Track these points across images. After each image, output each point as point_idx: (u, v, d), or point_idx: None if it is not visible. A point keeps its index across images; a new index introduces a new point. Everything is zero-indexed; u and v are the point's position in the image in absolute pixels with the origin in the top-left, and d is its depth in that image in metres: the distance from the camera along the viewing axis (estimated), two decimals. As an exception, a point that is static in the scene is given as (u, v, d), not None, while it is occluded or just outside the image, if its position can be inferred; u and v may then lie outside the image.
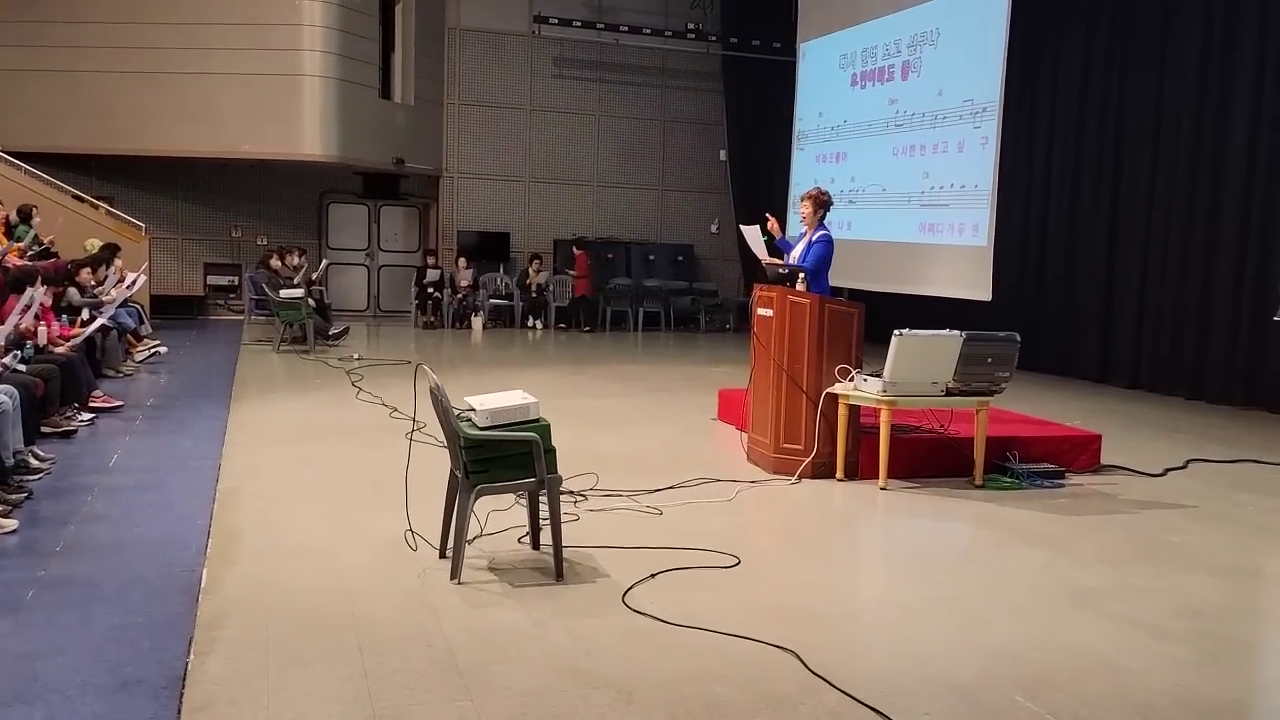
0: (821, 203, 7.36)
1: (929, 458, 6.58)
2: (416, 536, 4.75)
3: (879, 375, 6.21)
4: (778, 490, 6.18)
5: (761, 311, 6.68)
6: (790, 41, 16.13)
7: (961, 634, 3.97)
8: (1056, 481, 6.51)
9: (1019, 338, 6.34)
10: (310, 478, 6.15)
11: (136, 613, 3.90)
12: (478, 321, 15.98)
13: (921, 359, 6.10)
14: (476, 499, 4.43)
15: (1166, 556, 5.07)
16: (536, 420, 4.50)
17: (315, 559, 4.64)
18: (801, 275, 6.62)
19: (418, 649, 3.67)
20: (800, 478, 6.37)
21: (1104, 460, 6.95)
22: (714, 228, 18.01)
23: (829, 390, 6.38)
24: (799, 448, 6.46)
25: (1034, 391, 9.70)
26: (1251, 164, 9.60)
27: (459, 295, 16.28)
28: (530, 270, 16.43)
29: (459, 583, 4.34)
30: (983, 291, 11.33)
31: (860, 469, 6.47)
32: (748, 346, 15.59)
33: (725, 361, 12.89)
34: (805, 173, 15.11)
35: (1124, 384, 11.01)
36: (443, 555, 4.64)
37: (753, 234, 7.64)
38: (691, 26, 17.19)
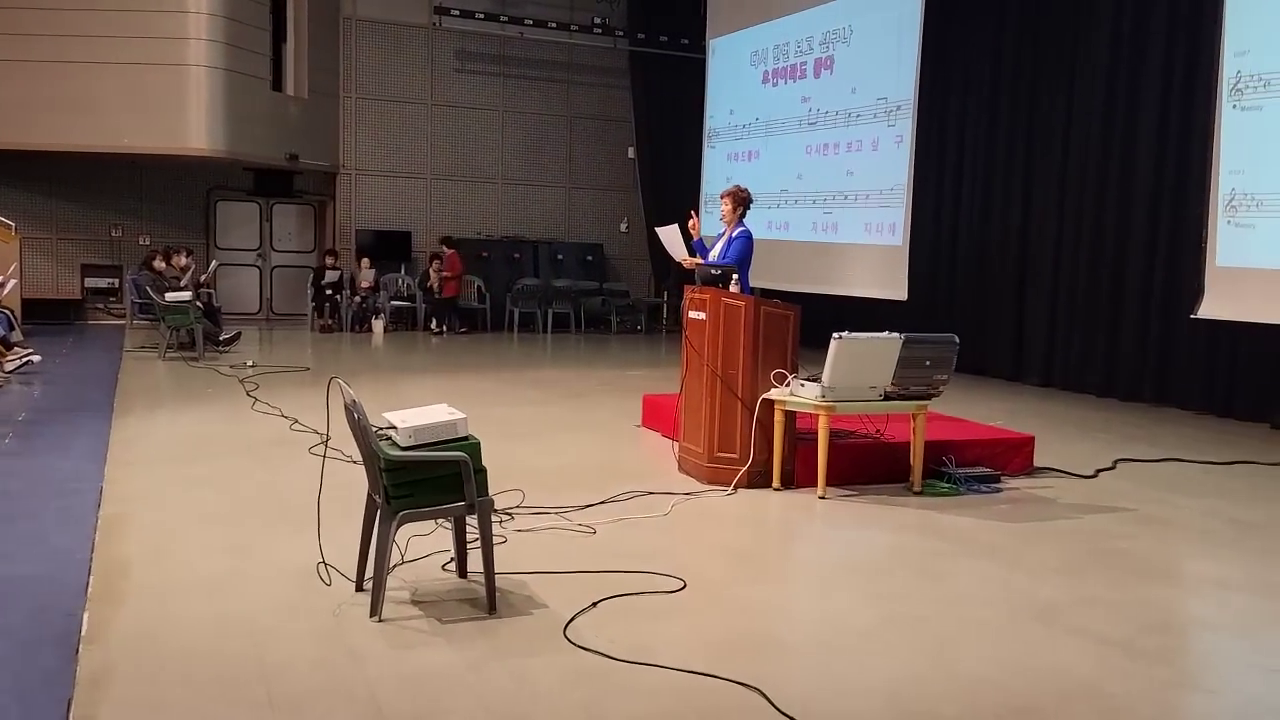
0: (741, 200, 7.12)
1: (865, 464, 6.36)
2: (330, 569, 4.28)
3: (816, 380, 5.95)
4: (714, 502, 5.87)
5: (693, 315, 6.36)
6: (699, 37, 15.92)
7: (933, 661, 3.70)
8: (993, 486, 6.35)
9: (957, 339, 6.15)
10: (206, 501, 5.60)
11: (2, 672, 3.36)
12: (379, 325, 15.35)
13: (860, 362, 5.86)
14: (399, 526, 3.99)
15: (1119, 565, 4.91)
16: (465, 438, 4.08)
17: (215, 596, 4.14)
18: (735, 276, 6.31)
19: (339, 702, 3.24)
20: (736, 488, 6.07)
21: (1035, 462, 6.84)
22: (623, 227, 17.69)
23: (765, 396, 6.09)
24: (734, 456, 6.16)
25: (949, 391, 9.55)
26: (1160, 162, 9.68)
27: (359, 297, 15.62)
28: (431, 271, 15.85)
29: (380, 620, 3.90)
30: (898, 291, 11.26)
31: (797, 477, 6.21)
32: (662, 348, 15.30)
33: (641, 364, 12.59)
34: (717, 171, 14.91)
35: (1036, 382, 11.05)
36: (360, 588, 4.20)
37: (670, 235, 7.35)
38: (598, 21, 16.84)
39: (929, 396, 6.14)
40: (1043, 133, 10.93)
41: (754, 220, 14.31)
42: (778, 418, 6.07)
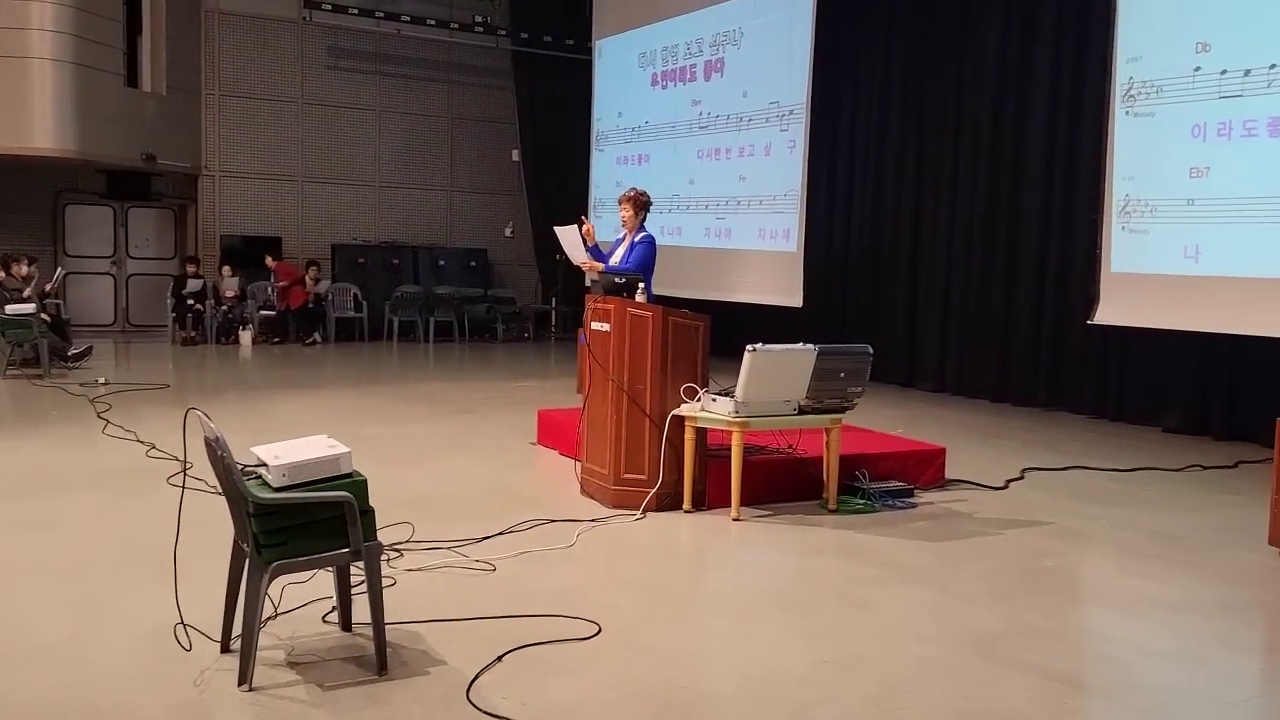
0: (641, 204, 6.78)
1: (778, 481, 6.03)
2: (190, 630, 3.69)
3: (728, 394, 5.59)
4: (623, 529, 5.45)
5: (596, 326, 5.93)
6: (585, 38, 15.52)
7: (880, 709, 3.36)
8: (908, 501, 6.11)
9: (871, 350, 5.88)
10: (47, 546, 4.91)
11: None
12: (246, 336, 14.44)
13: (774, 376, 5.53)
14: (273, 579, 3.45)
15: (1049, 587, 4.69)
16: (349, 475, 3.56)
17: (52, 667, 3.51)
18: (640, 285, 5.91)
19: (201, 803, 2.69)
20: (645, 512, 5.66)
21: (945, 473, 6.64)
22: (508, 231, 17.14)
23: (675, 412, 5.70)
24: (642, 477, 5.75)
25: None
26: (1050, 167, 9.68)
27: (224, 307, 14.67)
28: (308, 278, 15.01)
29: (250, 689, 3.36)
30: (793, 298, 11.05)
31: (708, 497, 5.84)
32: (551, 357, 14.77)
33: (532, 375, 12.09)
34: (606, 175, 14.52)
35: (929, 388, 10.98)
36: (226, 649, 3.63)
37: (569, 236, 6.93)
38: (479, 20, 16.27)
39: (843, 409, 5.85)
40: (933, 138, 10.87)
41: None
42: (688, 435, 5.69)
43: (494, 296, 16.42)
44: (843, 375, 5.70)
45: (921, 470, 6.51)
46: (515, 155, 17.02)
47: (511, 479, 6.58)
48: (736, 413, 5.49)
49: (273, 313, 14.80)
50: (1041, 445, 8.15)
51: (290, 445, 3.59)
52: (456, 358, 14.02)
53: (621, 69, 14.21)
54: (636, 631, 4.01)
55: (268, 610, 3.72)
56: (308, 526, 3.46)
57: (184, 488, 3.87)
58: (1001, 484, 6.65)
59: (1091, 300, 8.50)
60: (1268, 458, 7.69)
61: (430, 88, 16.52)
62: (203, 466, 4.21)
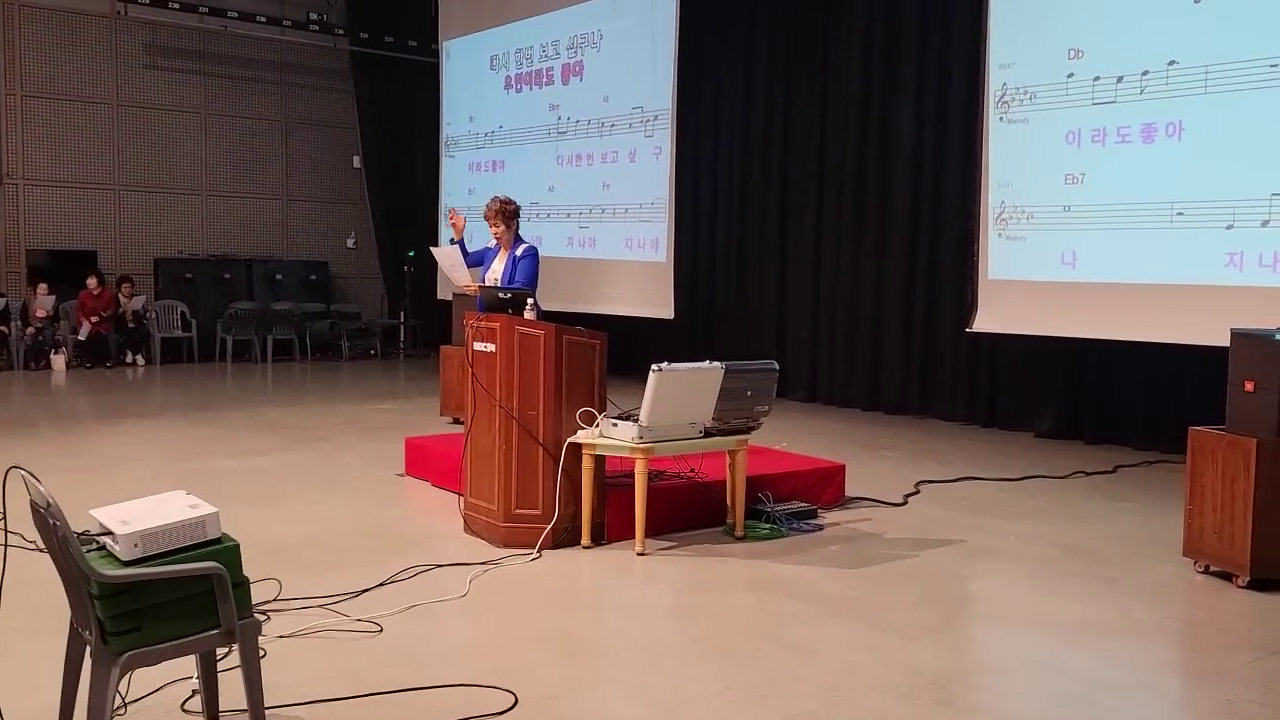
0: (509, 214, 6.31)
1: (680, 508, 5.62)
2: (15, 739, 2.98)
3: (630, 418, 5.14)
4: (520, 572, 4.91)
5: (479, 346, 5.37)
6: (430, 39, 14.82)
7: (855, 782, 2.96)
8: (813, 523, 5.80)
9: (777, 366, 5.54)
10: None
11: None
12: (59, 360, 13.08)
13: (681, 397, 5.11)
14: (125, 673, 2.78)
15: (982, 614, 4.44)
16: (217, 540, 2.93)
17: None
18: (531, 301, 5.38)
19: None
20: (541, 550, 5.14)
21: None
22: (351, 242, 16.20)
23: (572, 439, 5.21)
24: (536, 512, 5.23)
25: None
26: (918, 173, 9.65)
27: (33, 329, 13.24)
28: (121, 295, 13.74)
29: (99, 814, 2.69)
30: (664, 309, 10.71)
31: (607, 530, 5.37)
32: (401, 376, 13.94)
33: (385, 395, 11.32)
34: (457, 182, 13.88)
35: (801, 398, 10.81)
36: (63, 759, 2.94)
37: (449, 257, 6.36)
38: (314, 17, 15.32)
39: (749, 429, 5.49)
40: (799, 145, 10.73)
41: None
42: (585, 464, 5.21)
43: (337, 312, 15.47)
44: (749, 394, 5.33)
45: (823, 489, 6.23)
46: (356, 161, 16.12)
47: (383, 517, 5.93)
48: (641, 438, 5.04)
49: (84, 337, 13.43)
50: (925, 455, 8.04)
51: (141, 507, 2.94)
52: (299, 379, 13.07)
53: (472, 71, 13.60)
54: (559, 699, 3.50)
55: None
56: (167, 606, 2.82)
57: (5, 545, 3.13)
58: (900, 500, 6.44)
59: (968, 308, 8.44)
60: (1144, 461, 7.87)
61: (262, 89, 15.45)
62: (19, 517, 3.48)
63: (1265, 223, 6.51)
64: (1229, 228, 6.69)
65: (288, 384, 12.53)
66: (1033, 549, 5.40)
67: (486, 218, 6.57)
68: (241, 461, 7.41)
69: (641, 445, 5.05)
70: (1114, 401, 8.44)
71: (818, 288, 10.62)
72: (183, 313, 14.35)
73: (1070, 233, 7.54)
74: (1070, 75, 7.50)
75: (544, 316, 5.31)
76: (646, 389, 4.98)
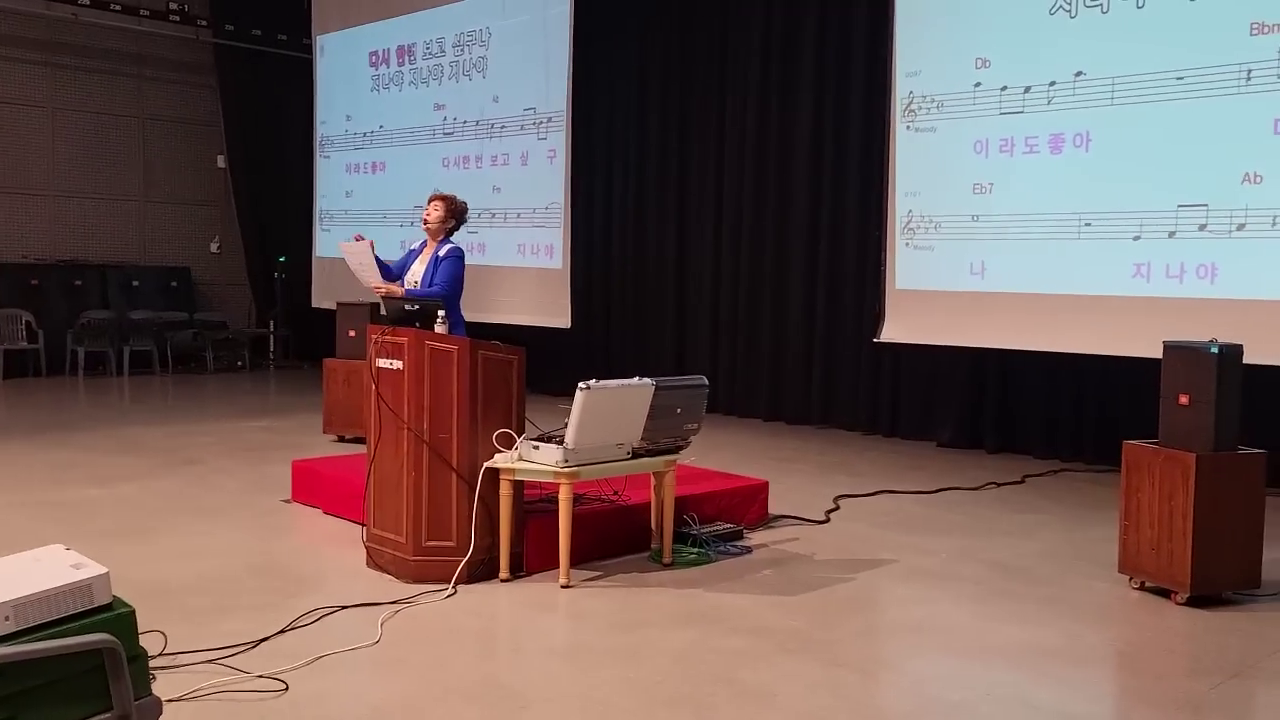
0: (456, 209, 5.83)
1: (603, 534, 5.27)
2: None
3: (552, 440, 4.77)
4: (435, 612, 4.47)
5: (384, 363, 4.91)
6: (302, 33, 14.08)
7: None
8: (740, 545, 5.53)
9: (706, 381, 5.26)
10: None
11: None
12: (-114, 374, 11.86)
13: (609, 416, 4.77)
14: (-10, 776, 2.28)
15: (934, 644, 4.23)
16: (108, 606, 2.44)
17: None
18: (441, 314, 4.95)
19: None
20: (456, 585, 4.71)
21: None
22: (214, 247, 15.25)
23: (489, 464, 4.80)
24: (450, 544, 4.80)
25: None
26: (818, 181, 9.53)
27: None
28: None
29: None
30: (560, 318, 10.34)
31: (526, 560, 4.98)
32: (271, 389, 13.11)
33: (258, 411, 10.59)
34: (333, 184, 13.21)
35: (699, 409, 10.57)
36: None
37: (359, 255, 5.84)
38: (175, 7, 14.36)
39: (678, 449, 5.19)
40: (696, 150, 10.51)
41: (382, 240, 12.78)
42: (504, 490, 4.81)
43: (201, 321, 14.50)
44: (679, 411, 5.03)
45: (746, 508, 5.97)
46: (221, 161, 15.18)
47: (275, 551, 5.39)
48: (566, 461, 4.68)
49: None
50: (834, 468, 7.90)
51: (9, 568, 2.43)
52: (161, 394, 12.17)
53: (348, 68, 12.94)
54: (502, 764, 3.11)
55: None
56: (48, 690, 2.32)
57: None
58: (823, 517, 6.24)
59: (876, 318, 8.35)
60: (1049, 470, 7.89)
61: (117, 83, 14.38)
62: None
63: (1172, 234, 6.58)
64: (1136, 239, 6.74)
65: (149, 400, 11.64)
66: (966, 568, 5.26)
67: (431, 198, 6.06)
68: (104, 490, 6.70)
69: (566, 469, 4.68)
70: (1014, 411, 8.48)
71: (717, 296, 10.42)
72: (28, 323, 13.20)
73: (979, 243, 7.51)
74: (977, 84, 7.47)
75: (470, 329, 4.89)
76: (573, 408, 4.62)
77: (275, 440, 8.66)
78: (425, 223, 5.95)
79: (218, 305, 15.13)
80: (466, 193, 11.37)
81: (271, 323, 15.02)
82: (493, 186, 11.04)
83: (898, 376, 9.21)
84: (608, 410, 4.73)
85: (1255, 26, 6.18)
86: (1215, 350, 4.54)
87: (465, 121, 11.36)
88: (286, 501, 6.40)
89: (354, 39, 12.86)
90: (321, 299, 13.64)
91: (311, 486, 6.31)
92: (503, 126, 10.96)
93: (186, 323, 14.27)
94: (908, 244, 7.96)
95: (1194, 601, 4.59)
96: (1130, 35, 6.70)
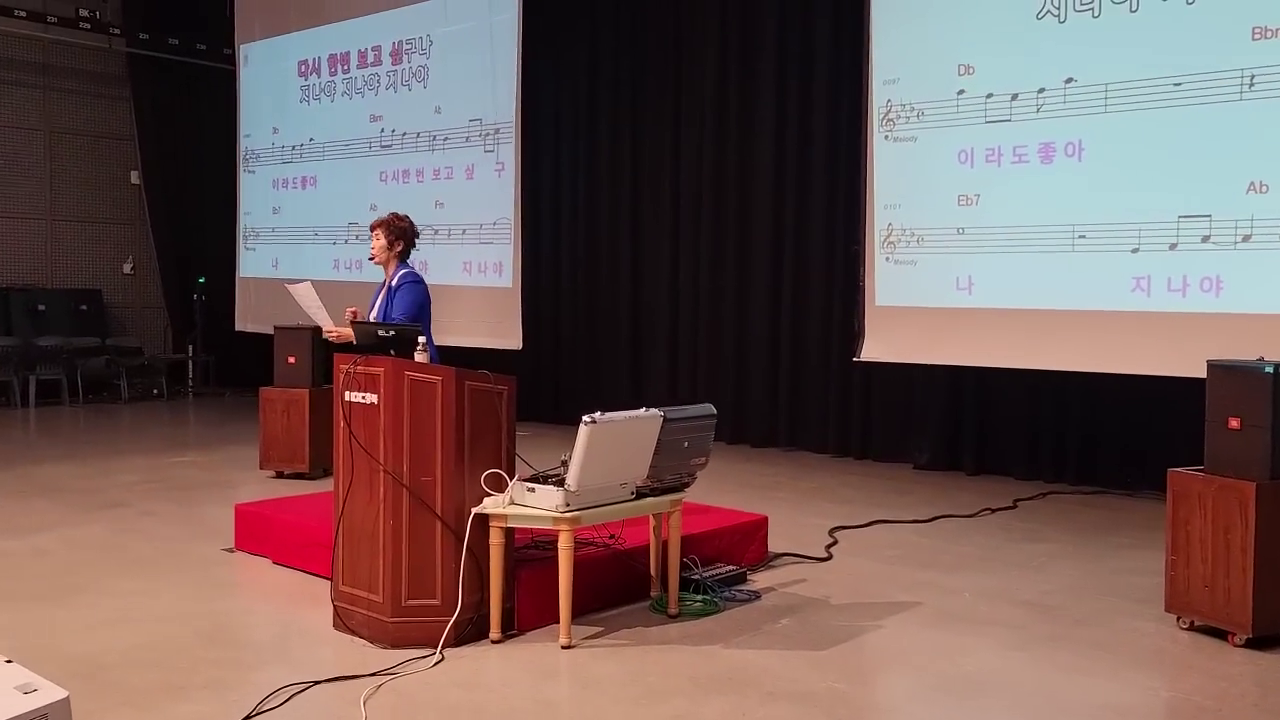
0: (398, 230, 5.27)
1: (600, 583, 4.73)
2: None
3: (549, 480, 4.23)
4: (424, 684, 3.88)
5: (357, 397, 4.31)
6: (223, 42, 13.28)
7: None
8: (747, 590, 5.04)
9: (715, 411, 4.77)
10: None
11: None
12: None
13: (614, 453, 4.24)
14: None
15: (1001, 704, 3.78)
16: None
17: None
18: (421, 341, 4.38)
19: None
20: (444, 650, 4.13)
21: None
22: (128, 268, 14.28)
23: (478, 510, 4.23)
24: (434, 602, 4.22)
25: (567, 448, 8.29)
26: (780, 192, 9.13)
27: None
28: None
29: None
30: (512, 340, 9.76)
31: (518, 617, 4.42)
32: (191, 419, 12.22)
33: (182, 445, 9.77)
34: (259, 200, 12.43)
35: (657, 433, 10.08)
36: None
37: (305, 296, 5.26)
38: (85, 14, 13.45)
39: (683, 486, 4.68)
40: (651, 163, 10.05)
41: (316, 259, 12.07)
42: (495, 539, 4.24)
43: (114, 347, 13.53)
44: (686, 445, 4.52)
45: (746, 546, 5.49)
46: (135, 177, 14.24)
47: (224, 613, 4.73)
48: (568, 505, 4.14)
49: None
50: (815, 494, 7.49)
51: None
52: (72, 426, 11.25)
53: (276, 79, 12.20)
54: None
55: None
56: None
57: None
58: (824, 553, 5.79)
59: (855, 336, 7.96)
60: (1037, 494, 7.57)
61: (21, 94, 13.38)
62: None
63: (1173, 246, 6.31)
64: (1135, 251, 6.45)
65: (59, 433, 10.73)
66: (996, 610, 4.84)
67: (371, 227, 5.51)
68: (18, 541, 5.93)
69: (568, 514, 4.14)
70: (993, 431, 8.16)
71: (676, 314, 9.95)
72: (-79, 351, 12.15)
73: (965, 256, 7.17)
74: (960, 92, 7.15)
75: (441, 359, 4.34)
76: (576, 446, 4.09)
77: (206, 478, 7.93)
78: (372, 257, 5.39)
79: (132, 330, 14.16)
80: (407, 208, 10.67)
81: (190, 348, 14.12)
82: (435, 201, 10.43)
83: (869, 396, 8.84)
84: (613, 446, 4.20)
85: (1258, 31, 5.95)
86: (1270, 370, 4.20)
87: (405, 134, 10.74)
88: (230, 551, 5.72)
89: (281, 48, 12.14)
90: (246, 322, 12.85)
91: (258, 533, 5.64)
92: (446, 139, 10.37)
93: (98, 349, 13.29)
94: (888, 258, 7.59)
95: (1254, 643, 4.23)
96: (1124, 40, 6.43)
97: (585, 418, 4.08)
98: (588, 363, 10.51)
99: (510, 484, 4.26)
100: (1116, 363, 6.58)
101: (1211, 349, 6.12)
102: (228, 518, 5.95)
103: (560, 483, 4.18)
